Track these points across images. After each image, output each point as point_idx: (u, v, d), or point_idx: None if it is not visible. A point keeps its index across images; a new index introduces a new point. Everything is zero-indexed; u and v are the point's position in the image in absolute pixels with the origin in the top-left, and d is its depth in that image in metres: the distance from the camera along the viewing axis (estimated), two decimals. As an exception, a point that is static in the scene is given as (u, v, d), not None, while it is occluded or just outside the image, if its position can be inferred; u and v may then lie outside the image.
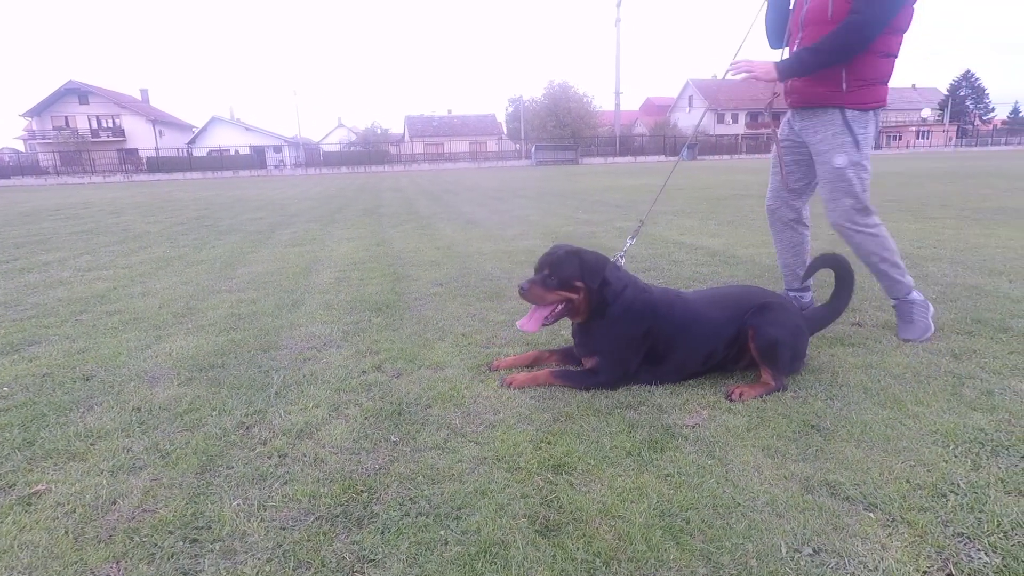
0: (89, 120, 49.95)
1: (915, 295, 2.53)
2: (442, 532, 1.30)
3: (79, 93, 49.57)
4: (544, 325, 2.06)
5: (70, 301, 3.62)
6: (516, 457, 1.60)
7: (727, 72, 2.48)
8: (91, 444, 1.76)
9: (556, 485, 1.47)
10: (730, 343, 2.08)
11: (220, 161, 45.80)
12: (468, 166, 43.59)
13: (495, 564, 1.20)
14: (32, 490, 1.52)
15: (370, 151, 49.87)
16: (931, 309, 2.53)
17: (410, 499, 1.42)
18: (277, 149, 53.35)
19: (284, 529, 1.33)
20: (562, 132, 50.98)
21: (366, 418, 1.87)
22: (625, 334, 2.04)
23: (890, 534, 1.26)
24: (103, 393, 2.14)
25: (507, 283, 3.70)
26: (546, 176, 20.98)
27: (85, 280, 4.30)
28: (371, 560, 1.23)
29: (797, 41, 2.43)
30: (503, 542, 1.25)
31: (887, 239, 2.51)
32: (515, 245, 5.23)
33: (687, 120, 56.36)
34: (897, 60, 2.36)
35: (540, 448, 1.65)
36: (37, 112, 49.09)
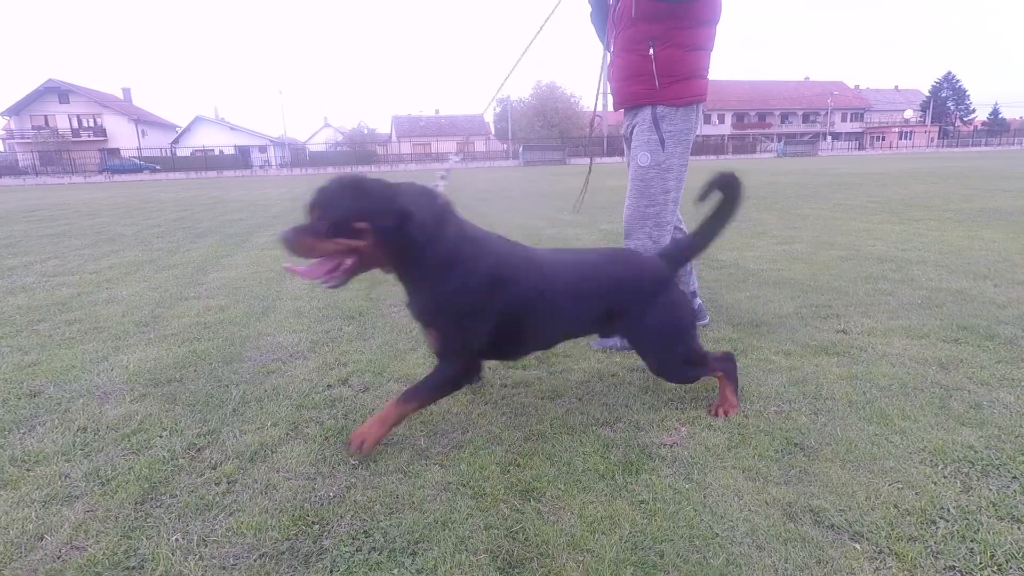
0: (70, 119, 49.13)
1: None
2: (396, 571, 1.19)
3: (59, 92, 48.74)
4: (329, 285, 1.52)
5: (29, 309, 3.46)
6: (482, 482, 1.50)
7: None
8: (27, 470, 1.63)
9: (523, 514, 1.37)
10: (595, 320, 1.83)
11: (204, 161, 45.26)
12: (455, 167, 43.36)
13: (450, 609, 1.09)
14: (-47, 525, 1.39)
15: (357, 151, 49.52)
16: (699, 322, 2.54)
17: (364, 532, 1.31)
18: (262, 149, 52.84)
19: (224, 568, 1.22)
20: (550, 132, 51.01)
21: (326, 438, 1.75)
22: (463, 298, 1.58)
23: (877, 569, 1.17)
24: (49, 411, 2.01)
25: (486, 288, 3.60)
26: (533, 176, 20.88)
27: (48, 286, 4.14)
28: (316, 605, 1.12)
29: (613, 40, 2.37)
30: (459, 583, 1.15)
31: None
32: (497, 248, 5.12)
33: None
34: (712, 53, 2.30)
35: (508, 471, 1.55)
36: (16, 111, 48.19)
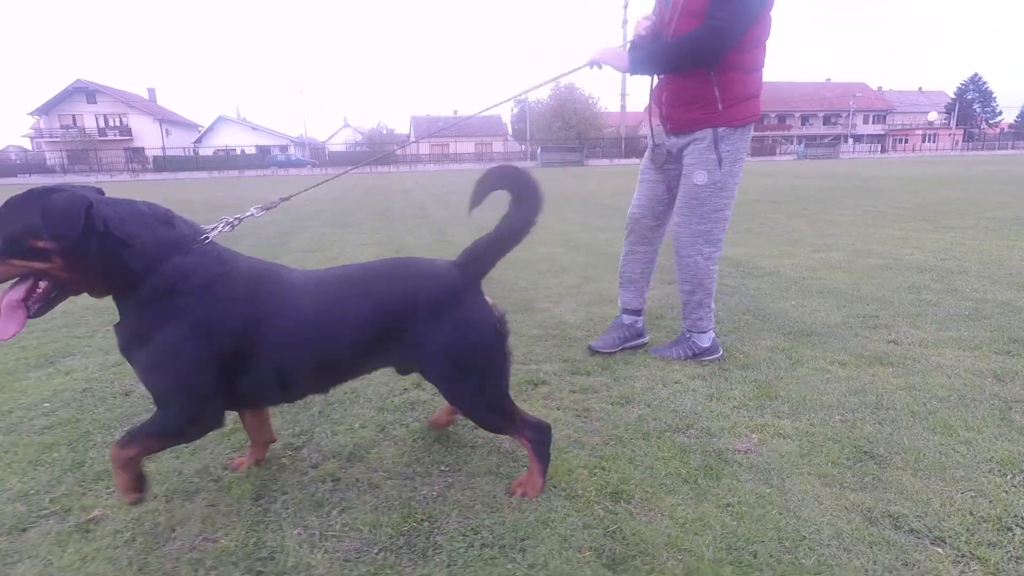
0: (96, 119, 50.13)
1: (708, 341, 2.50)
2: (509, 566, 1.29)
3: (87, 92, 49.77)
4: (32, 316, 1.32)
5: (97, 310, 3.62)
6: (573, 484, 1.59)
7: (582, 66, 2.39)
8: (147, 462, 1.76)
9: (616, 515, 1.46)
10: (364, 350, 1.48)
11: (226, 160, 45.94)
12: (473, 167, 43.59)
13: (569, 601, 1.19)
14: (89, 516, 1.52)
15: (376, 151, 49.93)
16: (713, 355, 2.50)
17: (472, 529, 1.42)
18: (283, 149, 53.45)
19: (349, 561, 1.33)
20: (568, 133, 51.01)
21: (415, 440, 1.86)
22: (184, 330, 1.34)
23: (963, 572, 1.25)
24: (144, 410, 2.14)
25: (534, 294, 3.70)
26: (553, 178, 20.95)
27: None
28: (441, 594, 1.22)
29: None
30: (572, 577, 1.25)
31: (715, 274, 2.48)
32: (534, 253, 5.22)
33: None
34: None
35: (595, 474, 1.64)
36: (45, 111, 49.28)
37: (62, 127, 49.33)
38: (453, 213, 9.18)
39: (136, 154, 47.00)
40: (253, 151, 49.94)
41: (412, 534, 1.41)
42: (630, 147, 50.16)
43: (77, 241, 1.25)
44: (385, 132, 60.60)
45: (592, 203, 10.23)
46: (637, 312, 2.67)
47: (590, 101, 53.76)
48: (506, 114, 65.20)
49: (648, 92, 2.56)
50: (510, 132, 60.72)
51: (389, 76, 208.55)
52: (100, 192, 1.38)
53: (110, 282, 1.35)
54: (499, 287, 3.90)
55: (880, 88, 74.57)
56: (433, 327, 1.46)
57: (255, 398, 1.53)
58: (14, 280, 1.31)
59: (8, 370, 2.59)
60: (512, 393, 2.17)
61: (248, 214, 1.75)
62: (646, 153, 2.61)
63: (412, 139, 56.56)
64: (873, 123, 70.45)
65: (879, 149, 64.81)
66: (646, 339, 2.69)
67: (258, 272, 1.47)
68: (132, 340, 1.38)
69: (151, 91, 57.23)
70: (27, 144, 56.01)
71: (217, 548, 1.38)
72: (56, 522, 1.50)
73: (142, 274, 1.33)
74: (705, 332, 2.50)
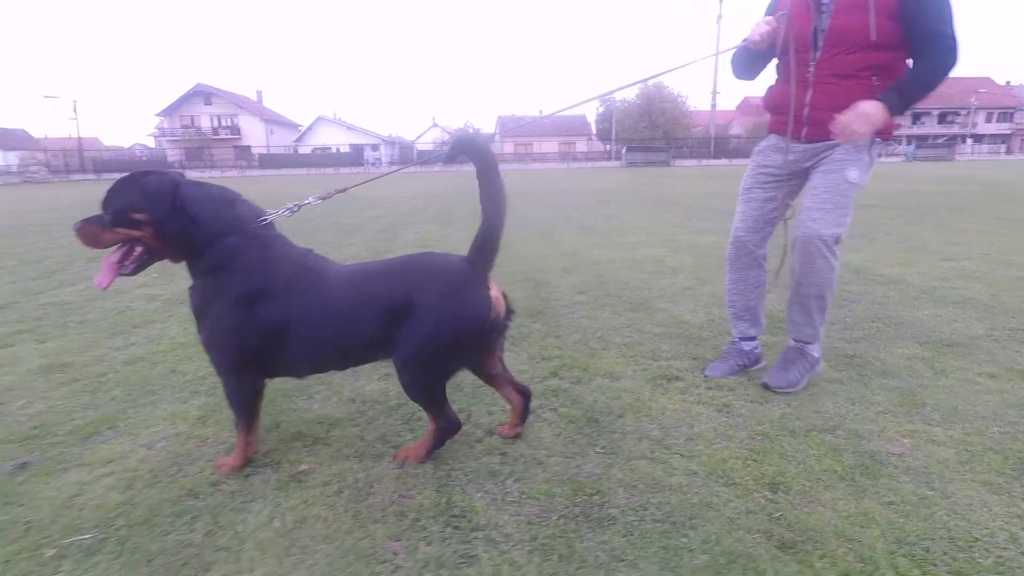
0: (211, 119, 54.46)
1: (816, 351, 2.30)
2: (683, 539, 1.40)
3: (204, 95, 54.18)
4: (125, 273, 1.64)
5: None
6: (729, 473, 1.68)
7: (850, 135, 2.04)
8: (328, 431, 2.01)
9: (777, 504, 1.53)
10: (377, 336, 1.63)
11: (323, 158, 48.56)
12: (556, 167, 43.68)
13: (747, 575, 1.28)
14: (299, 469, 1.76)
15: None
16: (817, 370, 2.31)
17: (640, 505, 1.54)
18: (374, 147, 55.80)
19: (532, 524, 1.48)
20: (654, 133, 49.96)
21: (567, 424, 2.01)
22: (227, 302, 1.59)
23: None
24: (318, 383, 2.41)
25: (647, 294, 3.76)
26: (640, 179, 20.68)
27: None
28: (623, 560, 1.35)
29: (812, 63, 2.12)
30: (748, 555, 1.34)
31: (835, 278, 2.24)
32: (640, 254, 5.26)
33: (788, 120, 53.33)
34: None
35: (749, 465, 1.71)
36: (168, 112, 54.13)
37: (182, 127, 53.97)
38: (550, 213, 9.34)
39: (243, 152, 50.64)
40: (347, 149, 52.45)
41: (585, 505, 1.55)
42: (719, 147, 48.48)
43: (164, 215, 1.56)
44: (472, 131, 61.91)
45: (685, 204, 10.07)
46: (755, 338, 2.52)
47: (679, 99, 52.34)
48: (590, 113, 64.79)
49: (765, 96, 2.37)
50: (594, 131, 60.27)
51: (477, 76, 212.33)
52: (182, 176, 1.65)
53: (182, 251, 1.62)
54: (611, 286, 4.00)
55: (1008, 83, 67.73)
56: (426, 315, 1.60)
57: (284, 369, 1.74)
58: (117, 245, 1.63)
59: (187, 343, 2.97)
60: (647, 386, 2.28)
61: (307, 202, 1.96)
62: (748, 172, 2.40)
63: (498, 139, 57.37)
64: (998, 121, 64.15)
65: (1004, 150, 58.92)
66: (764, 364, 2.51)
67: (299, 261, 1.68)
68: (197, 304, 1.67)
69: (259, 93, 61.47)
70: (151, 143, 61.73)
71: (414, 504, 1.57)
72: (272, 472, 1.76)
73: (203, 247, 1.60)
74: (816, 342, 2.30)
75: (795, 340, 2.32)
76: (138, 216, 1.57)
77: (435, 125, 69.11)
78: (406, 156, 51.66)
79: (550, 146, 55.13)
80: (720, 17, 45.68)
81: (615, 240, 6.03)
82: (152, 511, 1.56)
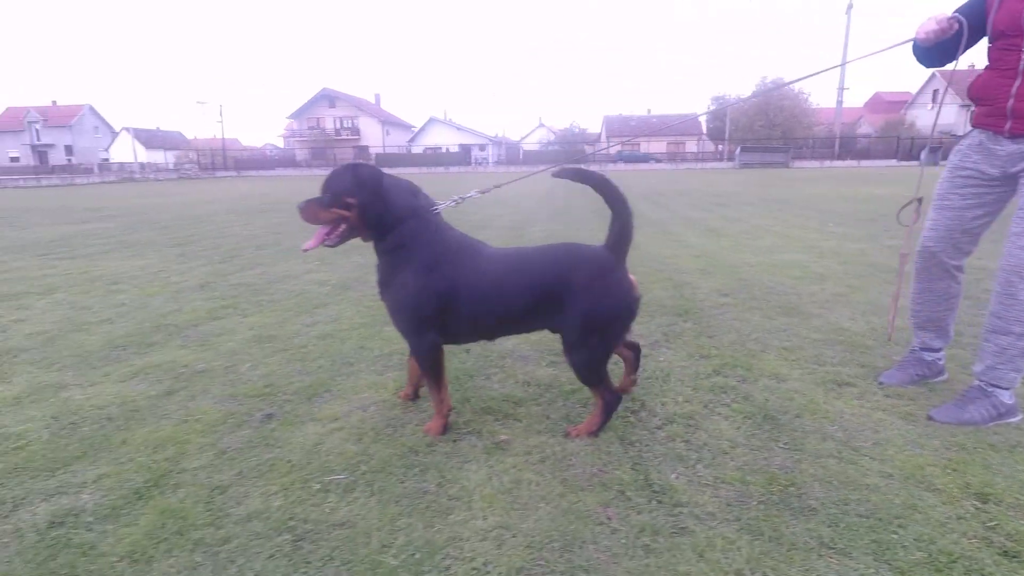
0: (334, 121, 58.47)
1: (1008, 397, 2.03)
2: (894, 535, 1.43)
3: (329, 98, 58.27)
4: (327, 244, 1.93)
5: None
6: (929, 479, 1.67)
7: None
8: (515, 407, 2.20)
9: (989, 513, 1.52)
10: (532, 309, 1.90)
11: (434, 158, 50.68)
12: (665, 167, 42.64)
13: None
14: (500, 439, 1.96)
15: (567, 150, 51.24)
16: (1009, 420, 2.02)
17: (841, 500, 1.58)
18: (482, 147, 57.35)
19: (732, 506, 1.57)
20: (771, 132, 47.34)
21: (743, 419, 2.07)
22: (410, 271, 1.88)
23: None
24: (492, 367, 2.63)
25: (797, 299, 3.69)
26: (758, 181, 19.74)
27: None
28: (832, 547, 1.40)
29: None
30: (969, 557, 1.35)
31: None
32: (779, 258, 5.12)
33: (929, 118, 48.53)
34: None
35: (949, 474, 1.70)
36: (298, 115, 58.77)
37: (308, 128, 58.38)
38: (670, 214, 9.23)
39: (362, 152, 53.93)
40: (456, 149, 54.29)
41: (783, 495, 1.61)
42: (845, 147, 45.05)
43: (370, 200, 1.86)
44: (577, 131, 61.85)
45: (818, 208, 9.54)
46: (939, 350, 2.39)
47: (800, 96, 49.18)
48: (702, 112, 62.46)
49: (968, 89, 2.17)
50: (704, 131, 58.09)
51: (583, 76, 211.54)
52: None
53: (374, 231, 1.91)
54: (756, 289, 3.95)
55: None
56: (581, 297, 1.84)
57: (455, 331, 1.98)
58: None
59: (366, 323, 3.32)
60: (818, 390, 2.28)
61: (469, 195, 2.25)
62: (944, 175, 2.23)
63: (604, 138, 56.91)
64: None
65: None
66: (946, 376, 2.39)
67: (463, 242, 1.97)
68: (383, 279, 1.97)
69: (377, 96, 65.18)
70: (280, 143, 67.30)
71: (614, 478, 1.71)
72: (476, 439, 1.97)
73: (391, 227, 1.89)
74: (1010, 388, 2.05)
75: (981, 380, 2.08)
76: (350, 199, 1.87)
77: (541, 125, 69.74)
78: (512, 156, 52.60)
79: (658, 146, 53.85)
80: (850, 7, 42.37)
81: (747, 243, 5.89)
82: (385, 462, 1.82)
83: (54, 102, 64.84)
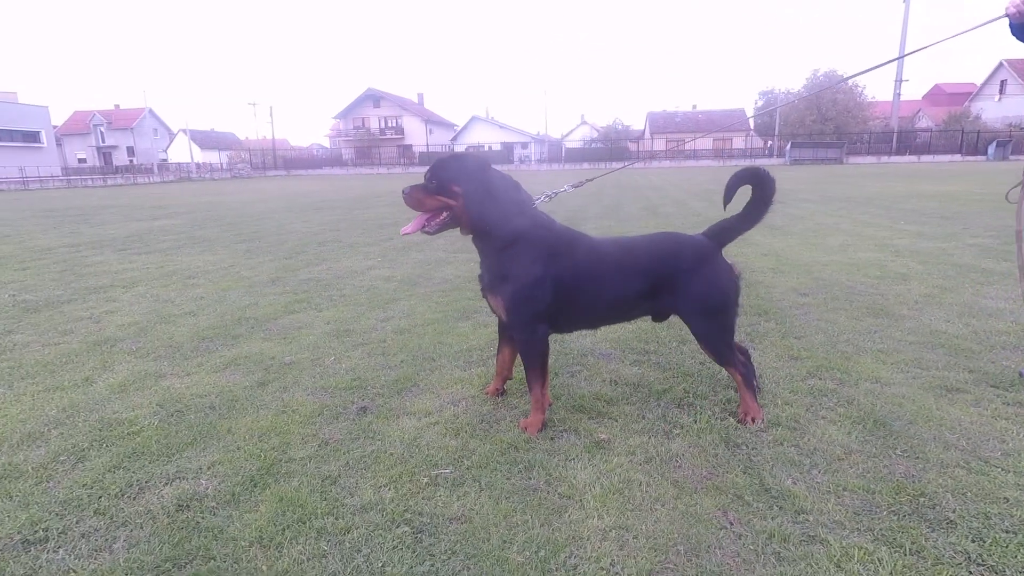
0: (378, 120, 59.37)
1: None
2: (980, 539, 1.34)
3: (374, 98, 59.19)
4: (426, 231, 1.93)
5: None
6: (1073, 492, 1.56)
7: None
8: (608, 406, 2.17)
9: None
10: (642, 294, 1.98)
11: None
12: (711, 164, 41.69)
13: None
14: (599, 437, 1.93)
15: (611, 148, 50.72)
16: None
17: (981, 514, 1.49)
18: (524, 145, 57.27)
19: (860, 515, 1.50)
20: (823, 127, 45.67)
21: (852, 424, 1.98)
22: (528, 264, 1.88)
23: None
24: (575, 364, 2.60)
25: (881, 300, 3.53)
26: (812, 177, 19.06)
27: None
28: (982, 564, 1.32)
29: None
30: None
31: None
32: (853, 256, 4.92)
33: (997, 110, 45.95)
34: None
35: (1096, 488, 1.58)
36: (344, 115, 59.91)
37: (353, 128, 59.46)
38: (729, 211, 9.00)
39: (406, 151, 54.60)
40: (498, 147, 54.39)
41: (916, 505, 1.53)
42: (903, 142, 43.12)
43: (475, 190, 1.84)
44: (620, 128, 61.15)
45: (884, 206, 9.14)
46: None
47: (855, 90, 47.27)
48: (749, 107, 60.86)
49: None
50: (752, 127, 56.55)
51: (626, 73, 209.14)
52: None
53: (478, 225, 1.89)
54: (835, 288, 3.80)
55: None
56: (691, 279, 1.94)
57: (567, 320, 2.02)
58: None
59: (439, 319, 3.33)
60: (927, 395, 2.17)
61: (562, 189, 2.36)
62: None
63: (648, 135, 56.10)
64: None
65: None
66: None
67: (572, 234, 2.00)
68: (492, 277, 1.95)
69: (420, 96, 65.80)
70: (326, 143, 68.81)
71: (726, 481, 1.66)
72: (575, 437, 1.94)
73: (497, 222, 1.87)
74: None
75: None
76: (456, 188, 1.87)
77: (584, 122, 69.23)
78: (555, 154, 52.40)
79: (703, 143, 52.71)
80: (912, -4, 40.43)
81: (816, 241, 5.68)
82: (487, 457, 1.81)
83: (117, 106, 67.90)
